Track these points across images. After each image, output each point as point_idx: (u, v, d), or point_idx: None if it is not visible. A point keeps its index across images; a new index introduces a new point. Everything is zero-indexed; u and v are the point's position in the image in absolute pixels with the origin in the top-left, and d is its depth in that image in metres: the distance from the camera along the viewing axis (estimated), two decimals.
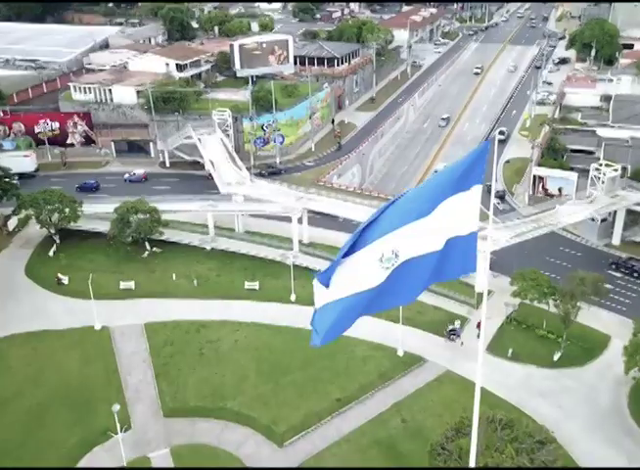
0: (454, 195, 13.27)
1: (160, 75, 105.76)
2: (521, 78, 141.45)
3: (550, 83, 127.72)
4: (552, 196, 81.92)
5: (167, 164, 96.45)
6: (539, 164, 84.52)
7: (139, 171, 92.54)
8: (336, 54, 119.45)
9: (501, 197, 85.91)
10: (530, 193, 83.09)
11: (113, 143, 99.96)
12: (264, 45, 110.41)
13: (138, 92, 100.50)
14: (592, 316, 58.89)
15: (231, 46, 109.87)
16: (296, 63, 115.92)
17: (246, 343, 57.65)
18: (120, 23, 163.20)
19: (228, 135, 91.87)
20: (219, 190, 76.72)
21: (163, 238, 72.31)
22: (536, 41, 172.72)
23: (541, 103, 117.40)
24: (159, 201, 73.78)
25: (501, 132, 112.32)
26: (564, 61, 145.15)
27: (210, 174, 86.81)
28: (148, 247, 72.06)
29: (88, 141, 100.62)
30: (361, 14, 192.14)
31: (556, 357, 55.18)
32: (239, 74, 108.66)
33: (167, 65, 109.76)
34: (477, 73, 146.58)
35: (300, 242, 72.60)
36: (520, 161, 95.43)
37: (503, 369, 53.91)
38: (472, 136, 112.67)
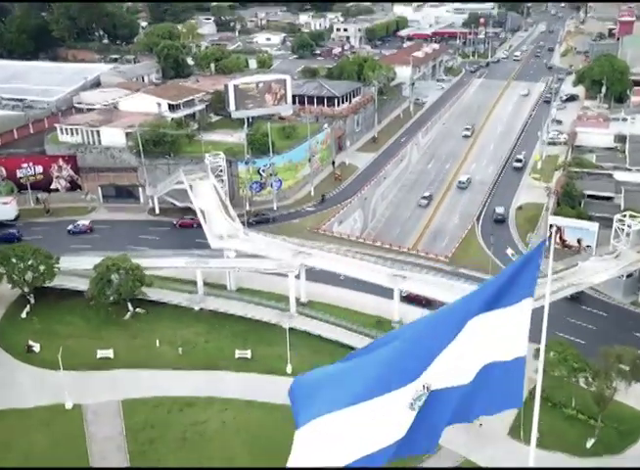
0: (498, 309, 10.70)
1: (152, 116, 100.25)
2: (529, 116, 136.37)
3: (560, 122, 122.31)
4: (570, 247, 75.85)
5: (157, 211, 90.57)
6: (555, 213, 78.57)
7: (83, 222, 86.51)
8: (336, 93, 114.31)
9: (502, 220, 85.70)
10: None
11: (100, 188, 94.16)
12: (261, 85, 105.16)
13: (127, 134, 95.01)
14: (624, 390, 52.23)
15: (226, 86, 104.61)
16: (294, 102, 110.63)
17: (235, 425, 50.96)
18: (115, 60, 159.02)
19: (222, 180, 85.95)
20: (209, 244, 70.59)
21: (147, 297, 66.06)
22: (541, 78, 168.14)
23: (552, 143, 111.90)
24: (143, 256, 67.76)
25: (518, 160, 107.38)
26: (572, 98, 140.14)
27: (178, 222, 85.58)
28: (130, 308, 65.68)
29: (73, 186, 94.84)
30: (362, 49, 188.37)
31: (589, 444, 48.38)
32: (234, 116, 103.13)
33: (159, 105, 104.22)
34: (466, 136, 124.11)
35: (298, 300, 66.35)
36: (532, 206, 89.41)
37: (528, 458, 46.97)
38: (479, 177, 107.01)
